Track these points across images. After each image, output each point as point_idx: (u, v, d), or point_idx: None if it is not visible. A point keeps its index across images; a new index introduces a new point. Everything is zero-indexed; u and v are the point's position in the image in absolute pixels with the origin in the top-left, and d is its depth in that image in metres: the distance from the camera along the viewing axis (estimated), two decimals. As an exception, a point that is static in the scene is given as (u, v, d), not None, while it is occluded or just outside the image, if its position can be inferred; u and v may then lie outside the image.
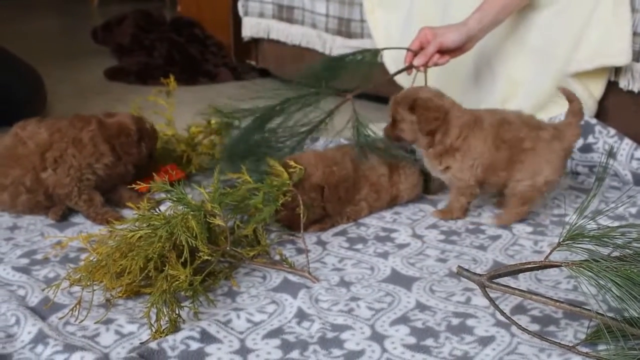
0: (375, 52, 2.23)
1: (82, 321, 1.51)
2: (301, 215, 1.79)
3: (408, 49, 2.13)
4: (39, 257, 1.78)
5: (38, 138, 1.97)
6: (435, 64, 2.12)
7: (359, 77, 2.14)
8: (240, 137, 2.09)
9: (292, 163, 1.85)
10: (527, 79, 2.37)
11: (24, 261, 1.76)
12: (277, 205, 1.77)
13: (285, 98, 2.11)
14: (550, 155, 1.91)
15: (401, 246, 1.84)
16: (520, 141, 1.91)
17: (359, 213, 1.98)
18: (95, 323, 1.50)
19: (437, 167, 1.96)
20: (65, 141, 1.96)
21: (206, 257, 1.59)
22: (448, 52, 2.12)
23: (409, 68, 2.13)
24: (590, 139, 2.25)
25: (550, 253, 1.39)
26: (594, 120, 2.27)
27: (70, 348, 1.40)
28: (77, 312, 1.52)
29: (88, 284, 1.56)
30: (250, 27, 3.29)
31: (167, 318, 1.47)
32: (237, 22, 3.36)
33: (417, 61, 2.11)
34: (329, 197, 1.88)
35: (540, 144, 1.91)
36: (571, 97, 1.94)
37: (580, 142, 2.25)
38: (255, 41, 3.36)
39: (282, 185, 1.78)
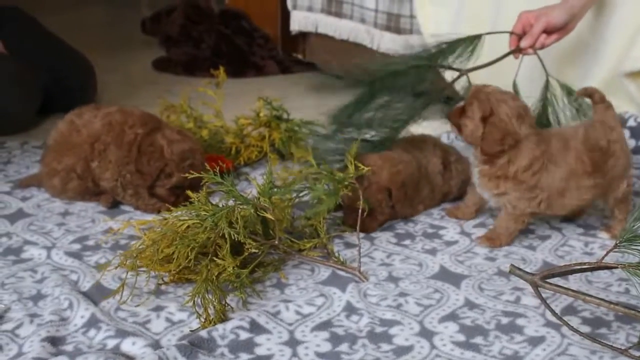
0: (474, 38, 2.10)
1: (138, 305, 1.54)
2: (360, 211, 1.78)
3: (511, 33, 2.05)
4: (90, 243, 1.81)
5: (91, 127, 2.00)
6: (542, 45, 2.03)
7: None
8: (351, 106, 1.99)
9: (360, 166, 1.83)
10: (578, 77, 2.34)
11: (76, 247, 1.79)
12: (337, 199, 1.77)
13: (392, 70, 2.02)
14: (625, 147, 1.83)
15: (449, 243, 1.83)
16: (611, 169, 1.79)
17: (413, 215, 1.97)
18: (146, 309, 1.53)
19: (492, 189, 1.79)
20: (110, 135, 1.97)
21: (253, 250, 1.61)
22: (554, 31, 2.04)
23: (515, 51, 2.04)
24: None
25: (606, 254, 1.38)
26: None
27: (122, 333, 1.42)
28: (128, 298, 1.54)
29: (136, 268, 1.58)
30: (299, 21, 3.29)
31: (212, 307, 1.48)
32: (285, 16, 3.37)
33: (524, 43, 2.02)
34: (398, 197, 1.88)
35: (617, 151, 1.79)
36: (590, 91, 1.84)
37: (631, 144, 2.22)
38: (303, 35, 3.36)
39: (344, 179, 1.78)
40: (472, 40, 2.08)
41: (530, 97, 2.21)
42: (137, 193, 1.98)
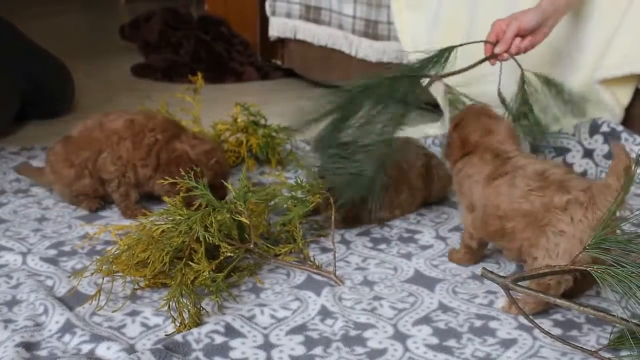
0: (450, 50, 2.07)
1: (115, 311, 1.54)
2: (332, 217, 1.80)
3: (485, 42, 2.06)
4: (66, 248, 1.81)
5: (113, 124, 2.00)
6: (518, 50, 2.05)
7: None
8: (329, 129, 1.92)
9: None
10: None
11: (52, 252, 1.79)
12: (307, 207, 1.78)
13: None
14: None
15: (424, 247, 1.85)
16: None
17: (390, 219, 1.98)
18: (121, 314, 1.53)
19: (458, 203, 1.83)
20: (129, 132, 1.98)
21: (228, 254, 1.62)
22: (526, 35, 2.05)
23: (491, 57, 2.05)
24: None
25: (575, 257, 1.39)
26: (620, 127, 2.26)
27: (97, 338, 1.42)
28: (103, 302, 1.54)
29: (112, 273, 1.60)
30: (277, 27, 3.30)
31: (187, 311, 1.49)
32: (264, 22, 3.38)
33: (498, 48, 2.03)
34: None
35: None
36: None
37: (605, 149, 2.24)
38: (282, 41, 3.38)
39: (313, 187, 1.80)
40: (446, 51, 2.09)
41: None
42: (127, 194, 1.99)
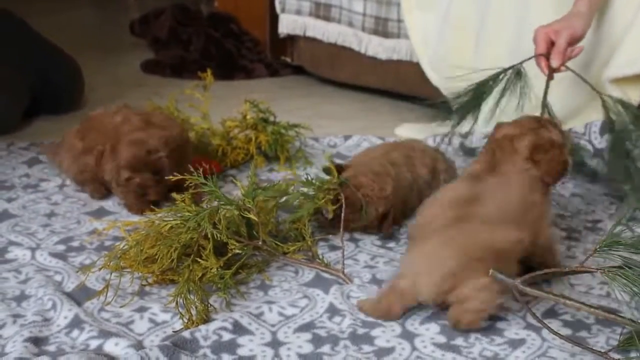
0: (518, 70, 2.04)
1: (122, 306, 1.54)
2: (342, 216, 1.80)
3: (537, 55, 1.97)
4: (75, 244, 1.81)
5: (121, 120, 2.02)
6: (569, 59, 1.98)
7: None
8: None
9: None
10: (570, 83, 2.34)
11: (61, 248, 1.79)
12: (316, 204, 1.78)
13: None
14: None
15: (433, 246, 1.84)
16: None
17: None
18: (129, 310, 1.53)
19: None
20: (124, 132, 1.99)
21: (237, 251, 1.62)
22: (575, 43, 1.99)
23: (551, 73, 1.97)
24: (628, 146, 2.22)
25: (586, 259, 1.39)
26: (631, 127, 2.25)
27: (105, 334, 1.43)
28: (112, 299, 1.55)
29: (120, 268, 1.60)
30: (287, 24, 3.30)
31: (194, 307, 1.49)
32: (274, 19, 3.38)
33: (555, 62, 1.95)
34: (395, 211, 1.88)
35: None
36: None
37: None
38: (291, 38, 3.37)
39: (323, 184, 1.80)
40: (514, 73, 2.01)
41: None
42: (127, 190, 1.99)
